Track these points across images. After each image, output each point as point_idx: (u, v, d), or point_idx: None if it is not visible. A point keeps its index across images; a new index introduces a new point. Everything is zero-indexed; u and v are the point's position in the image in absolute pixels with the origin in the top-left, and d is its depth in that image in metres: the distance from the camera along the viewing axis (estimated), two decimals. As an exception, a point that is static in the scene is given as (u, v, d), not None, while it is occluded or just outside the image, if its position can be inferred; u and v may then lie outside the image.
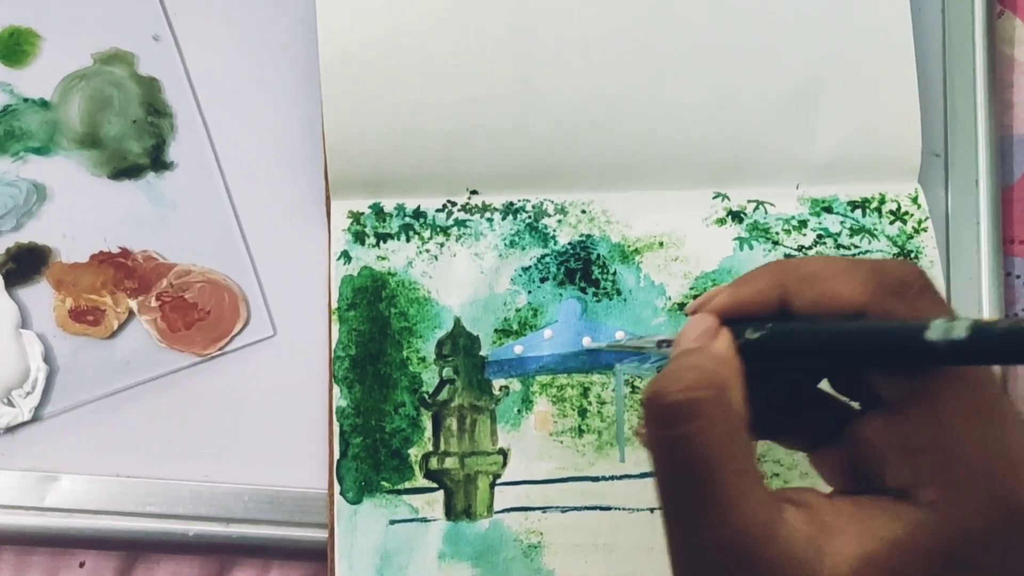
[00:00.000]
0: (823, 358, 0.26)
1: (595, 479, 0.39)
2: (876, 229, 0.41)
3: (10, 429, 0.39)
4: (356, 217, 0.40)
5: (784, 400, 0.28)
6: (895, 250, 0.41)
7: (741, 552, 0.22)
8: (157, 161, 0.42)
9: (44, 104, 0.42)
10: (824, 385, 0.28)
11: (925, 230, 0.41)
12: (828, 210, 0.41)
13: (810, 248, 0.41)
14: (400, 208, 0.40)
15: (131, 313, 0.40)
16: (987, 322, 0.23)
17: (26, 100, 0.42)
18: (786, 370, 0.27)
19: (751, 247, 0.41)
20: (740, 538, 0.22)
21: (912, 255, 0.41)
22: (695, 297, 0.40)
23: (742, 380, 0.24)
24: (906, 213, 0.41)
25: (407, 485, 0.38)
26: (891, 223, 0.41)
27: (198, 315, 0.40)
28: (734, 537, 0.22)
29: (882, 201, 0.41)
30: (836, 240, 0.41)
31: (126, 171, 0.41)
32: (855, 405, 0.27)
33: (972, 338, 0.22)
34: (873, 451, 0.24)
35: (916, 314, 0.24)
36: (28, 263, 0.40)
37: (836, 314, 0.25)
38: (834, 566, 0.22)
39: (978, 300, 0.43)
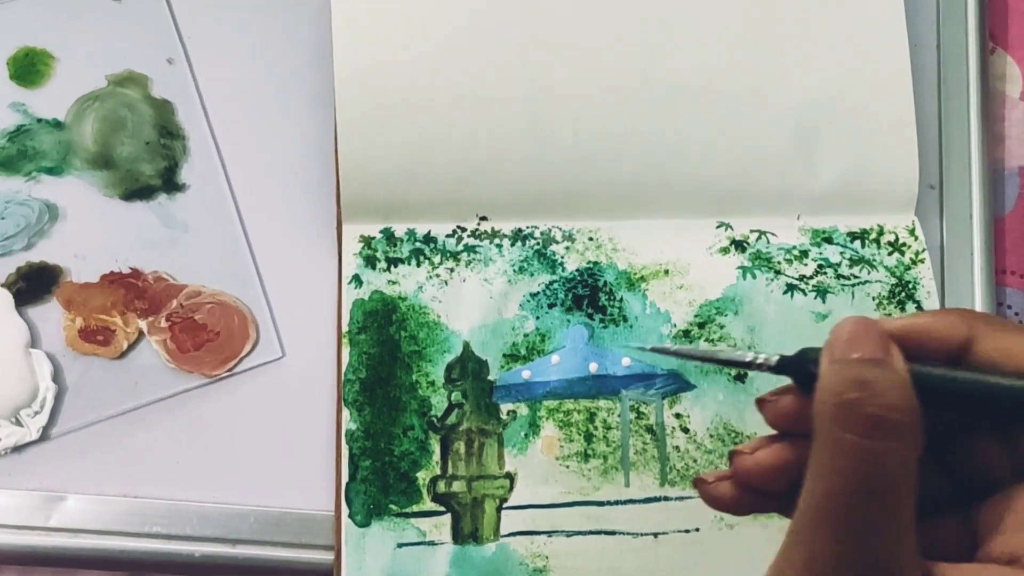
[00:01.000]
0: (985, 412, 0.25)
1: (600, 504, 0.39)
2: (875, 260, 0.42)
3: (17, 448, 0.39)
4: (367, 241, 0.41)
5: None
6: (893, 281, 0.42)
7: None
8: (169, 183, 0.42)
9: (58, 125, 0.42)
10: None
11: (923, 261, 0.42)
12: (828, 240, 0.42)
13: (811, 277, 0.42)
14: (411, 233, 0.41)
15: (141, 333, 0.41)
16: None
17: (40, 120, 0.42)
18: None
19: (754, 276, 0.42)
20: (898, 565, 0.22)
21: (910, 286, 0.42)
22: (700, 325, 0.41)
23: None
24: (904, 244, 0.42)
25: (415, 508, 0.39)
26: (889, 254, 0.42)
27: (207, 336, 0.41)
28: (894, 564, 0.22)
29: (881, 232, 0.43)
30: (836, 270, 0.42)
31: (138, 192, 0.42)
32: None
33: None
34: (988, 521, 0.25)
35: None
36: (38, 282, 0.41)
37: (1017, 371, 0.24)
38: None
39: (971, 329, 0.44)
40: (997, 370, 0.24)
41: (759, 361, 0.27)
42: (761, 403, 0.27)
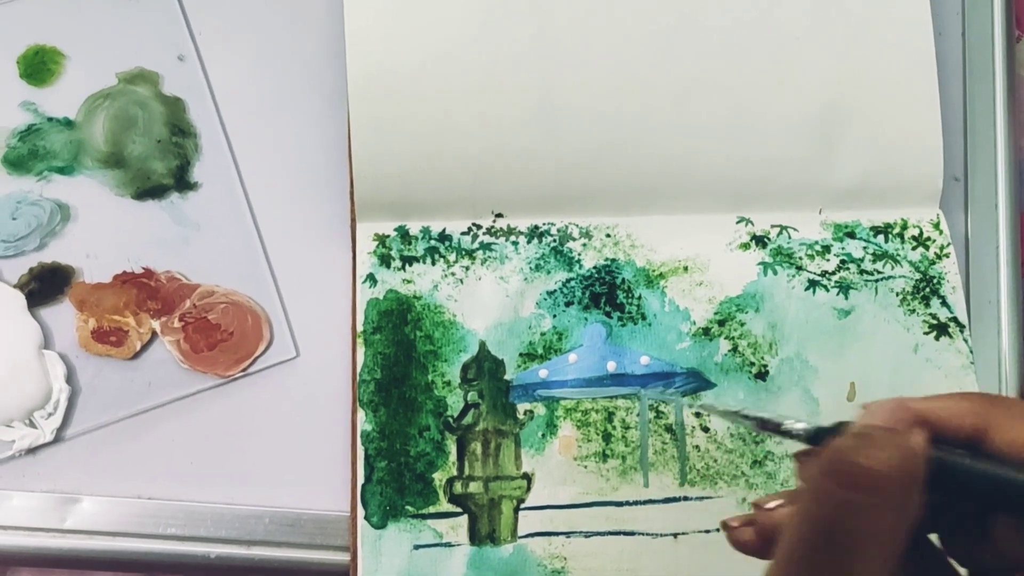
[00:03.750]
0: (1000, 502, 0.24)
1: (619, 504, 0.38)
2: (899, 255, 0.41)
3: (32, 450, 0.39)
4: (382, 240, 0.40)
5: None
6: (918, 276, 0.41)
7: None
8: (181, 181, 0.42)
9: (68, 123, 0.42)
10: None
11: (947, 256, 0.41)
12: (851, 235, 0.41)
13: (833, 273, 0.41)
14: (426, 231, 0.40)
15: (154, 334, 0.40)
16: None
17: (50, 119, 0.42)
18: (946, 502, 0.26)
19: (775, 272, 0.41)
20: None
21: (935, 281, 0.41)
22: (720, 322, 0.40)
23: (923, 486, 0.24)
24: (928, 239, 0.41)
25: (431, 509, 0.38)
26: (913, 248, 0.41)
27: (221, 336, 0.40)
28: None
29: (904, 226, 0.42)
30: (859, 265, 0.41)
31: (150, 191, 0.41)
32: (963, 572, 0.26)
33: None
34: None
35: None
36: (51, 283, 0.40)
37: None
38: None
39: (997, 324, 0.43)
40: (1012, 461, 0.24)
41: (796, 430, 0.27)
42: (724, 526, 0.27)
